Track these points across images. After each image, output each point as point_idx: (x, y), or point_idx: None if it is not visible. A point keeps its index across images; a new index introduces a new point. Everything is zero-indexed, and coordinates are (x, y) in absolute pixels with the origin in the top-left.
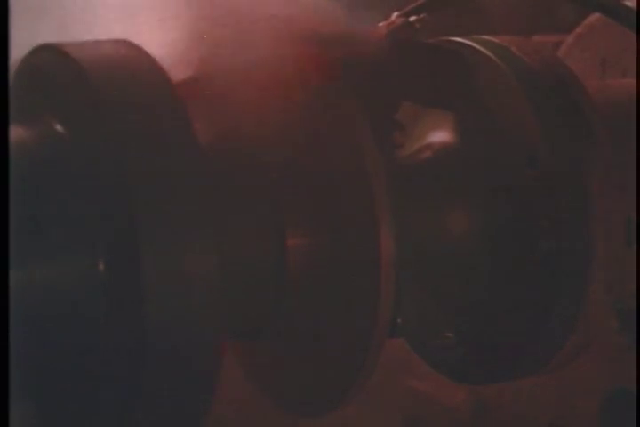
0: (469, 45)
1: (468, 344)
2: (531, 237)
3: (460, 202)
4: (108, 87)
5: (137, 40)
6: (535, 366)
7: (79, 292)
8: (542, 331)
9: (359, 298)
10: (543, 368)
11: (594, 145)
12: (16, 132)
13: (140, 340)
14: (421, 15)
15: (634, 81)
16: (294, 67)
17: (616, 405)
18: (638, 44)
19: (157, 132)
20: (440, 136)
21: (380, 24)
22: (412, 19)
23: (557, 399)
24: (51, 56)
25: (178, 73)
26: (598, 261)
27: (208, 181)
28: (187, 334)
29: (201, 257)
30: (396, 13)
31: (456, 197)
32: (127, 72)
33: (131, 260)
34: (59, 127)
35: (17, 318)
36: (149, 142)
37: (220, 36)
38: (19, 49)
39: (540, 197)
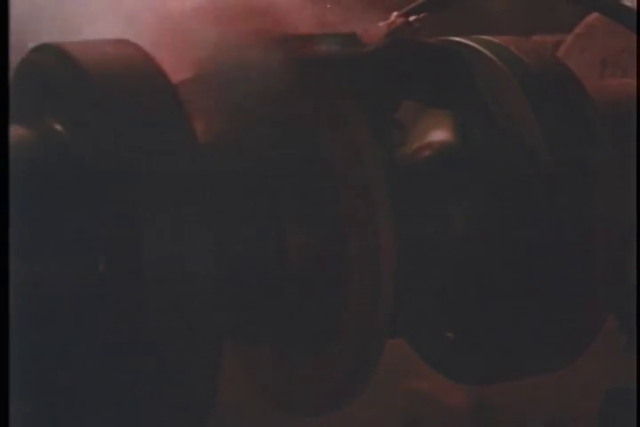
0: (469, 45)
1: (468, 344)
2: (531, 237)
3: (460, 201)
4: (108, 87)
5: (136, 40)
6: (535, 366)
7: (79, 290)
8: (542, 331)
9: (359, 298)
10: (543, 368)
11: (594, 145)
12: (16, 132)
13: (141, 339)
14: (421, 15)
15: (634, 81)
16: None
17: (616, 405)
18: (638, 44)
19: (157, 130)
20: (440, 136)
21: (380, 24)
22: (411, 18)
23: (557, 399)
24: (51, 56)
25: (177, 73)
26: (598, 260)
27: (208, 180)
28: (187, 334)
29: (201, 256)
30: (395, 13)
31: (456, 197)
32: (127, 72)
33: (131, 258)
34: (59, 127)
35: (16, 317)
36: (149, 141)
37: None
38: (18, 49)
39: (540, 197)
